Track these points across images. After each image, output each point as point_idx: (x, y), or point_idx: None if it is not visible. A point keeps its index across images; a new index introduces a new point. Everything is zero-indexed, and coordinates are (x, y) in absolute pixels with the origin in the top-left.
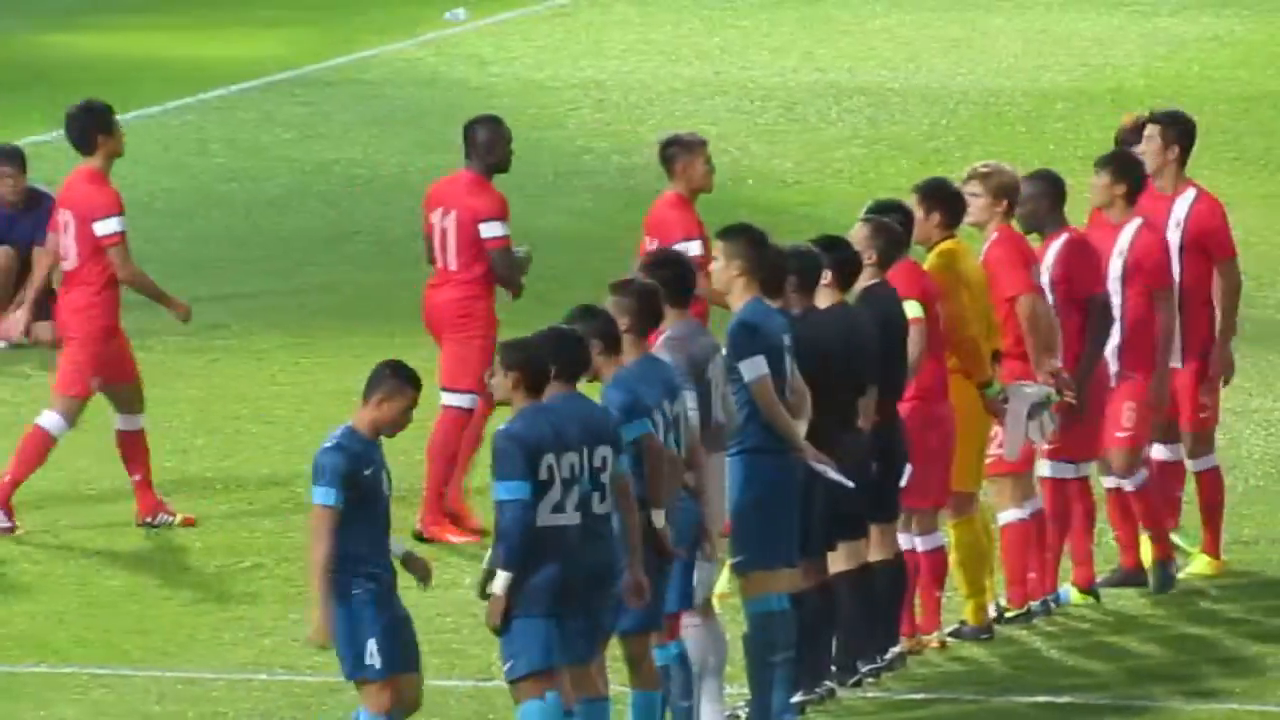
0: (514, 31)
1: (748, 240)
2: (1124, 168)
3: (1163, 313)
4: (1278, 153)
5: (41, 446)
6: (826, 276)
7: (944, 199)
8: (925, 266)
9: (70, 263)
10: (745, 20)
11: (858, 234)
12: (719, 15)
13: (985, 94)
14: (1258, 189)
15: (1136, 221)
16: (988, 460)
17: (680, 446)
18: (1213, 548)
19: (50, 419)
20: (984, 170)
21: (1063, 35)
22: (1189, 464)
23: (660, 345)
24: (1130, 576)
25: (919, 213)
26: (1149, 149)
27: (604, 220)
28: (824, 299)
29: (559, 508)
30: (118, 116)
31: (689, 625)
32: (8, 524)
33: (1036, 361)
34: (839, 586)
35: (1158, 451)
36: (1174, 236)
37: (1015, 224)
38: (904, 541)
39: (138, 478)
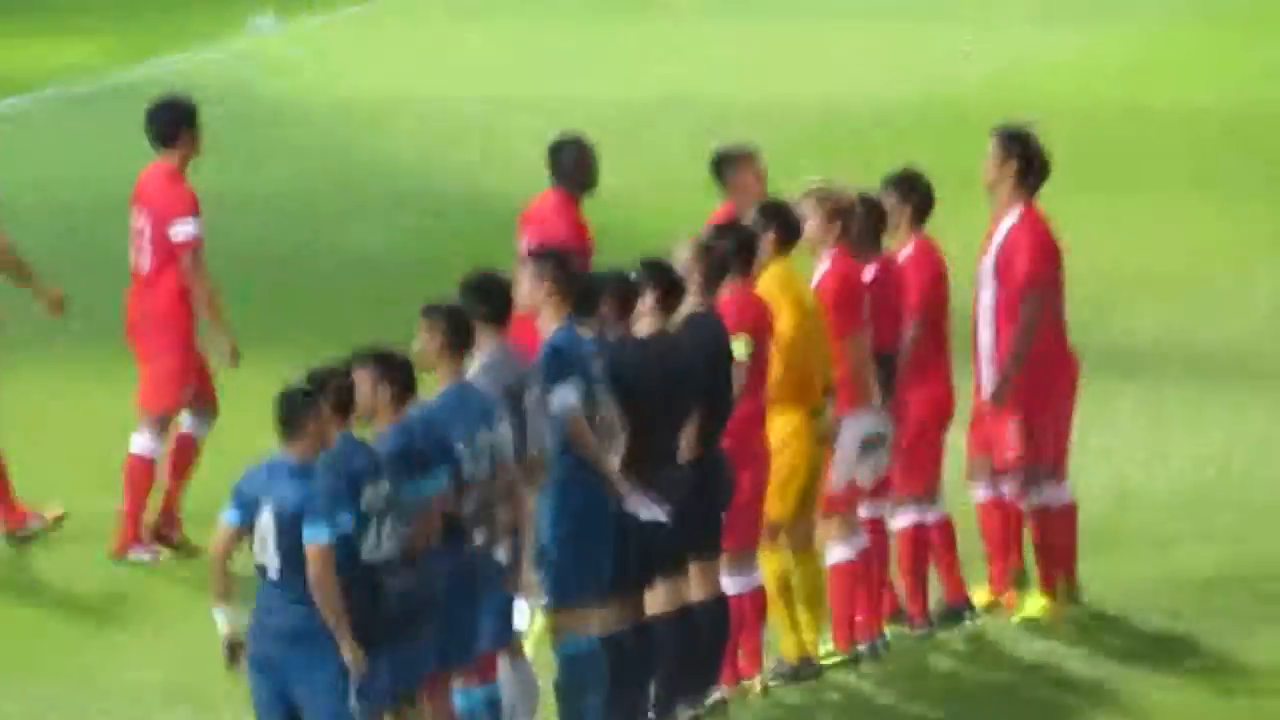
0: (324, 40)
1: (556, 261)
2: (907, 188)
3: (903, 343)
4: (1123, 171)
5: (143, 475)
6: (648, 301)
7: (781, 219)
8: (764, 290)
9: (145, 266)
10: (573, 30)
11: (681, 256)
12: (544, 25)
13: (822, 108)
14: (1101, 209)
15: (908, 249)
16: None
17: (494, 479)
18: (1048, 587)
19: (141, 442)
20: (818, 190)
21: (903, 48)
22: (1020, 503)
23: (474, 372)
24: (952, 610)
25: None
26: (987, 164)
27: (419, 239)
28: (645, 325)
29: (377, 541)
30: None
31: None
32: (149, 555)
33: (861, 399)
34: (657, 627)
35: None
36: (988, 260)
37: None
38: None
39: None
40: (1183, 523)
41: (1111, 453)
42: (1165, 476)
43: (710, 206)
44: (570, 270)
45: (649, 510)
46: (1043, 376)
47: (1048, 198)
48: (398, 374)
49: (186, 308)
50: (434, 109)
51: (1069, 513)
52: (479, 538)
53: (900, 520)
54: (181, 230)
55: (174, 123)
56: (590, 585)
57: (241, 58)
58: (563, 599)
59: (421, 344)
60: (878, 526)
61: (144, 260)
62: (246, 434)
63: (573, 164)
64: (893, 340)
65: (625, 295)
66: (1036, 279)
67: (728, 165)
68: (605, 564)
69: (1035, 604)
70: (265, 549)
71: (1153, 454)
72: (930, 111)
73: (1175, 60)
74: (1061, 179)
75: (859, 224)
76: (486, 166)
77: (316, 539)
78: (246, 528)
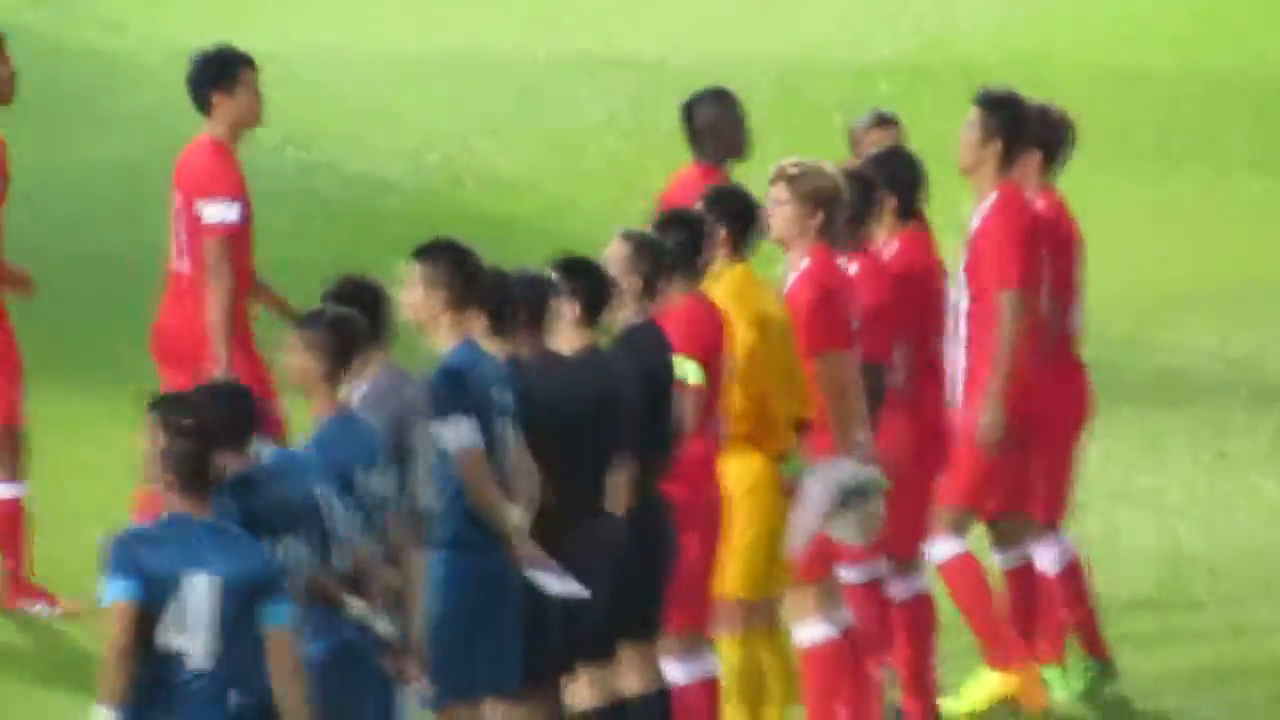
0: None
1: (451, 262)
2: (891, 173)
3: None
4: (1174, 146)
5: None
6: (570, 311)
7: (735, 209)
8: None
9: (182, 265)
10: None
11: (615, 254)
12: None
13: (786, 70)
14: (1148, 194)
15: (892, 247)
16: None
17: (375, 536)
18: (1001, 660)
19: None
20: (793, 171)
21: None
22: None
23: (354, 399)
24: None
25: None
26: (965, 139)
27: (278, 234)
28: (568, 340)
29: None
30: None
31: None
32: None
33: (841, 437)
34: None
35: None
36: (960, 258)
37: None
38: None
39: None
40: (1253, 593)
41: (1161, 504)
42: (1230, 534)
43: (602, 195)
44: (471, 271)
45: (561, 584)
46: (1022, 406)
47: (1077, 184)
48: (234, 412)
49: (238, 309)
50: (296, 70)
51: (1071, 575)
52: (355, 608)
53: (893, 591)
54: (212, 212)
55: (202, 86)
56: (490, 674)
57: (56, 9)
58: (453, 692)
59: (298, 363)
60: (867, 595)
61: (180, 255)
62: (47, 470)
63: (709, 125)
64: (885, 352)
65: (541, 304)
66: (1010, 274)
67: (860, 137)
68: (510, 647)
69: (983, 687)
70: (191, 630)
71: (1214, 505)
72: (921, 75)
73: (1239, 17)
74: (1094, 161)
75: (846, 211)
76: (365, 142)
77: (289, 620)
78: (148, 604)
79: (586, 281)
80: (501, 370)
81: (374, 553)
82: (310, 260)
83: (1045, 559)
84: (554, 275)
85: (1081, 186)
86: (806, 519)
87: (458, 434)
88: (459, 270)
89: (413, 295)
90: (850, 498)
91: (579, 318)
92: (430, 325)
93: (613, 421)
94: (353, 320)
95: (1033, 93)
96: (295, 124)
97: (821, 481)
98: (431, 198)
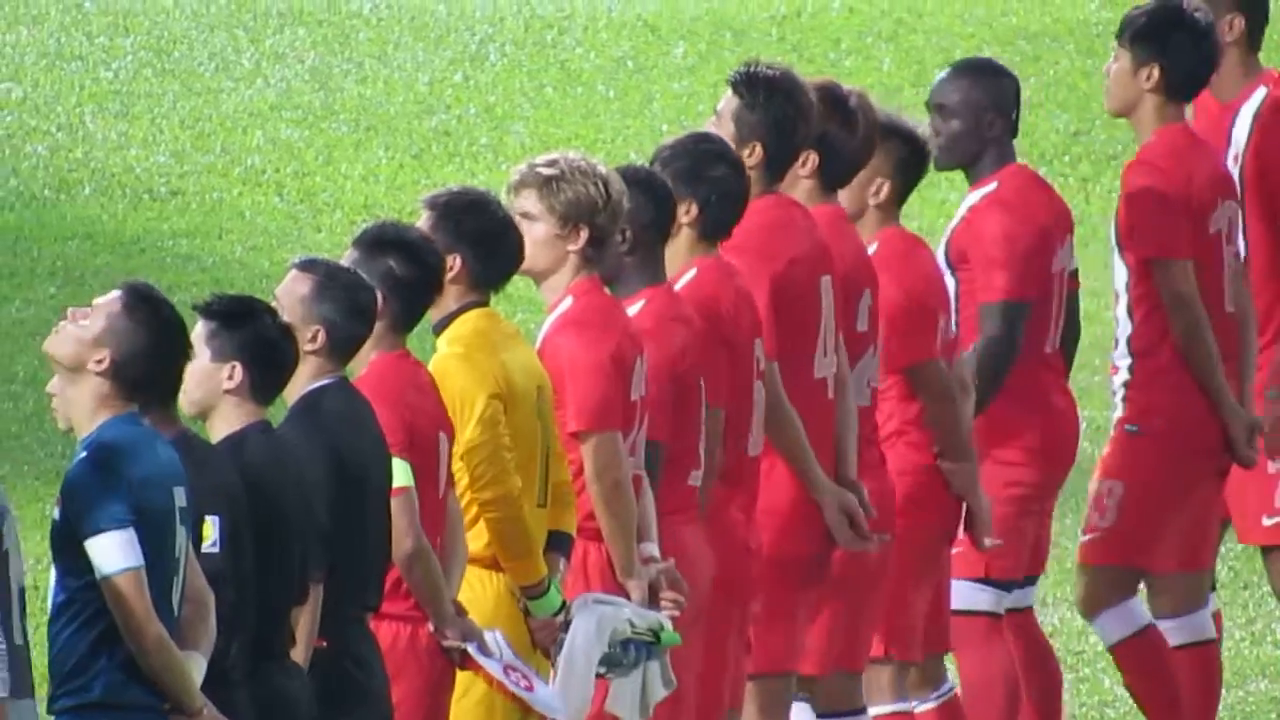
0: None
1: (139, 305)
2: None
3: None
4: None
5: None
6: (229, 375)
7: (473, 231)
8: (435, 367)
9: None
10: None
11: (290, 292)
12: None
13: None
14: None
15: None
16: None
17: None
18: None
19: None
20: (545, 171)
21: None
22: None
23: None
24: None
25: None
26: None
27: None
28: (225, 417)
29: None
30: None
31: None
32: None
33: (617, 556)
34: None
35: None
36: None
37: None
38: None
39: None
40: None
41: None
42: None
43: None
44: (151, 315)
45: None
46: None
47: None
48: None
49: None
50: None
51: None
52: None
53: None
54: None
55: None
56: None
57: None
58: None
59: None
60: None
61: None
62: None
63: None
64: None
65: (179, 366)
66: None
67: None
68: None
69: None
70: None
71: None
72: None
73: None
74: None
75: (643, 225)
76: None
77: None
78: None
79: (253, 332)
80: (171, 457)
81: None
82: None
83: None
84: (202, 323)
85: None
86: (574, 684)
87: (115, 551)
88: (153, 315)
89: (65, 347)
90: (629, 654)
91: (240, 384)
92: (85, 404)
93: (284, 530)
94: None
95: None
96: None
97: (583, 625)
98: (33, 207)
